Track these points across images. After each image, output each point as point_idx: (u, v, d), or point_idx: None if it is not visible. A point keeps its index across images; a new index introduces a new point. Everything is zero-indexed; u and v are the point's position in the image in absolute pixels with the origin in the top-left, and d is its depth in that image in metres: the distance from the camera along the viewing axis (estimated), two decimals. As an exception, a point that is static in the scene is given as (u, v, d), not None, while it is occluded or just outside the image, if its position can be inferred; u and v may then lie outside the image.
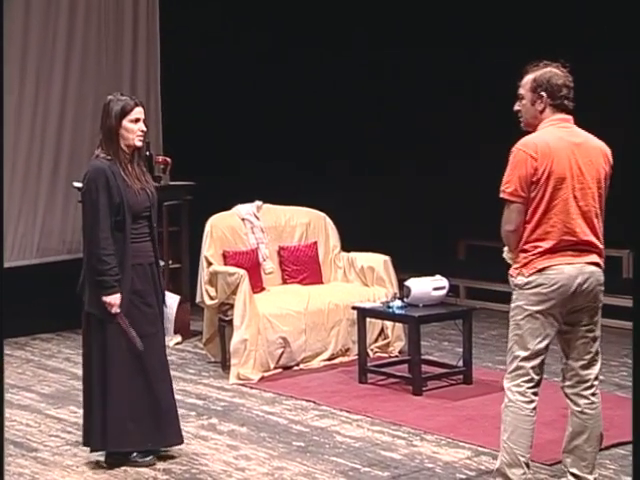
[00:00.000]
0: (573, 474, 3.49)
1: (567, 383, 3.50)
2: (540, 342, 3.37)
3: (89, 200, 3.87)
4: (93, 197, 3.85)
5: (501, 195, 3.38)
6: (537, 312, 3.36)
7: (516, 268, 3.41)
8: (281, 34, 7.76)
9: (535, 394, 3.41)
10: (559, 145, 3.35)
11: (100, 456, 4.03)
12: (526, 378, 3.38)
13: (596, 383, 3.49)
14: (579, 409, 3.47)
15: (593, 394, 3.48)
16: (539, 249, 3.34)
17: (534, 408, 3.40)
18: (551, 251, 3.34)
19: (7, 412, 4.68)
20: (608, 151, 3.48)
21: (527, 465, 3.40)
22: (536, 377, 3.40)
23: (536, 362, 3.39)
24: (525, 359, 3.38)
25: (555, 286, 3.33)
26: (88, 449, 4.03)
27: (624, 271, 7.12)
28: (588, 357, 3.46)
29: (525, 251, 3.37)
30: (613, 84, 6.67)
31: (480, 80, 7.63)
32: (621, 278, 6.99)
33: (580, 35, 6.92)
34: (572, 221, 3.34)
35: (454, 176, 8.01)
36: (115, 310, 3.84)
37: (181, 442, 4.06)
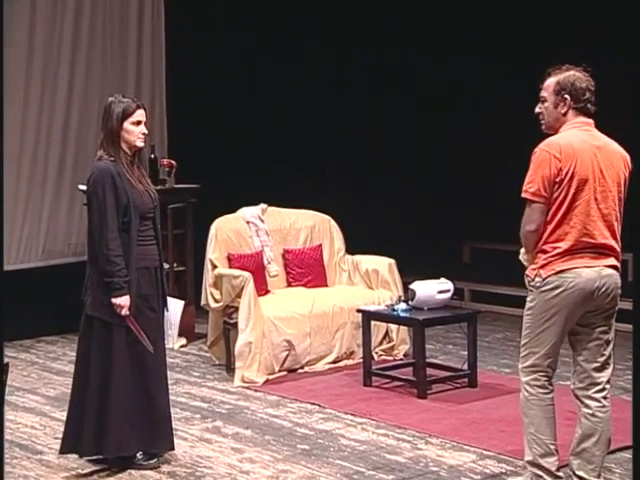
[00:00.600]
0: (580, 477, 3.51)
1: (579, 385, 3.52)
2: (556, 342, 3.44)
3: (96, 201, 3.83)
4: (100, 197, 3.81)
5: (523, 195, 3.40)
6: (554, 313, 3.40)
7: (534, 269, 3.43)
8: (285, 36, 7.77)
9: (551, 384, 3.50)
10: (582, 147, 3.37)
11: (104, 459, 4.03)
12: (543, 373, 3.47)
13: (608, 386, 3.51)
14: (590, 412, 3.49)
15: (604, 397, 3.50)
16: (558, 250, 3.36)
17: (553, 397, 3.49)
18: (569, 252, 3.36)
19: (12, 415, 4.69)
20: (627, 156, 3.50)
21: (557, 451, 3.50)
22: (552, 371, 3.49)
23: (552, 359, 3.47)
24: (542, 357, 3.45)
25: (572, 289, 3.37)
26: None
27: (629, 274, 7.12)
28: (601, 360, 3.49)
29: (544, 252, 3.40)
30: (613, 86, 6.66)
31: (482, 82, 7.63)
32: (626, 281, 6.98)
33: (582, 36, 6.91)
34: (592, 223, 3.37)
35: (460, 179, 8.01)
36: (124, 312, 3.81)
37: (172, 448, 4.03)
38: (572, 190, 3.34)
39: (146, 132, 3.95)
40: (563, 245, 3.36)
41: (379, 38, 8.01)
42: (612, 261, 3.44)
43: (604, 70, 6.68)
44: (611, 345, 3.52)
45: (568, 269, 3.36)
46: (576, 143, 3.38)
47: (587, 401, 3.49)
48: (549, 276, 3.37)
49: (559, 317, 3.40)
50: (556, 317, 3.40)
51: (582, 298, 3.39)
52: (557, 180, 3.34)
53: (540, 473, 3.50)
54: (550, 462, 3.48)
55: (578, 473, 3.51)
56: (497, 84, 7.40)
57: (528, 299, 3.48)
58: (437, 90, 7.90)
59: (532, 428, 3.48)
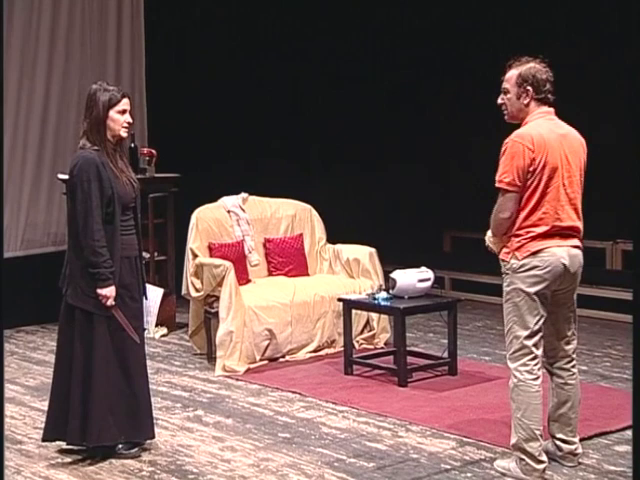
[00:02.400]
0: (560, 439, 3.74)
1: (550, 360, 3.72)
2: (538, 321, 3.58)
3: (80, 191, 3.79)
4: (85, 187, 3.78)
5: (498, 185, 3.55)
6: (533, 293, 3.55)
7: (508, 252, 3.59)
8: (268, 24, 7.74)
9: (539, 369, 3.62)
10: (550, 137, 3.56)
11: (83, 448, 4.02)
12: (530, 356, 3.58)
13: (574, 356, 3.75)
14: (563, 381, 3.72)
15: (573, 366, 3.77)
16: (531, 234, 3.54)
17: (541, 383, 3.61)
18: (543, 236, 3.54)
19: (-8, 405, 4.67)
20: (584, 142, 3.71)
21: (541, 436, 3.62)
22: (538, 353, 3.61)
23: (536, 339, 3.59)
24: (527, 337, 3.57)
25: (548, 267, 3.54)
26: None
27: (607, 263, 7.18)
28: (569, 334, 3.71)
29: (518, 235, 3.56)
30: (606, 82, 6.70)
31: (466, 75, 7.64)
32: (604, 269, 7.05)
33: (569, 30, 6.94)
34: (562, 208, 3.56)
35: (440, 169, 8.04)
36: (110, 302, 3.80)
37: (153, 436, 4.03)
38: (544, 178, 3.52)
39: (131, 121, 3.94)
40: (537, 230, 3.54)
41: (361, 31, 8.00)
42: (576, 242, 3.64)
43: (595, 66, 6.75)
44: (576, 319, 3.73)
45: (543, 249, 3.54)
46: (545, 133, 3.55)
47: (559, 372, 3.72)
48: (525, 257, 3.54)
49: (538, 294, 3.55)
50: (535, 296, 3.55)
51: (556, 276, 3.56)
52: (530, 170, 3.51)
53: (523, 457, 3.61)
54: (534, 447, 3.59)
55: (558, 436, 3.74)
56: (480, 79, 7.42)
57: (505, 284, 3.62)
58: (420, 80, 7.91)
59: (519, 413, 3.59)
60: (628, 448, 3.94)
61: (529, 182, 3.51)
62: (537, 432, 3.59)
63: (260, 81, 7.77)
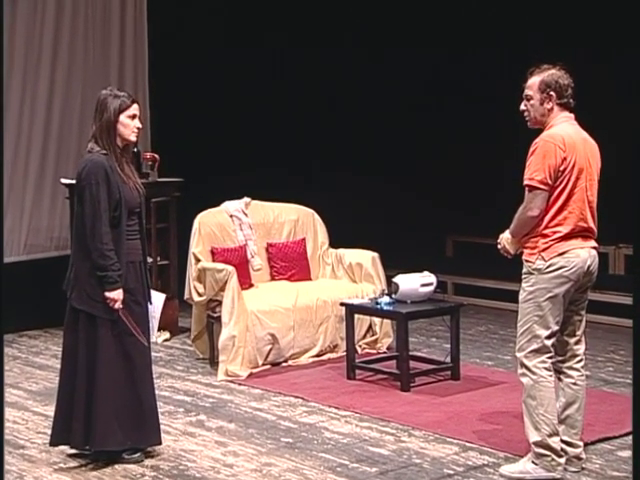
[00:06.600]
0: (565, 442, 3.74)
1: (560, 358, 3.76)
2: (558, 322, 3.65)
3: (89, 194, 3.80)
4: (93, 191, 3.79)
5: (529, 183, 3.58)
6: (558, 293, 3.60)
7: (533, 253, 3.63)
8: (271, 34, 7.75)
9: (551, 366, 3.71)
10: (576, 139, 3.64)
11: (87, 453, 4.02)
12: (549, 354, 3.66)
13: (583, 357, 3.80)
14: (572, 381, 3.76)
15: (583, 367, 3.80)
16: (558, 234, 3.59)
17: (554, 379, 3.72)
18: (568, 236, 3.61)
19: (-6, 409, 4.67)
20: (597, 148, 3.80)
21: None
22: (553, 352, 3.68)
23: (554, 339, 3.67)
24: (547, 337, 3.63)
25: (575, 268, 3.61)
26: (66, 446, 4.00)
27: (610, 267, 7.18)
28: (579, 333, 3.77)
29: (545, 236, 3.61)
30: (601, 84, 6.70)
31: (465, 80, 7.65)
32: (607, 274, 7.05)
33: (568, 36, 6.95)
34: (585, 209, 3.63)
35: (442, 173, 8.04)
36: (118, 305, 3.82)
37: (160, 442, 4.03)
38: (572, 178, 3.59)
39: (140, 126, 3.97)
40: (563, 229, 3.60)
41: (360, 36, 8.01)
42: (594, 243, 3.72)
43: (588, 67, 6.76)
44: (585, 319, 3.81)
45: (569, 250, 3.60)
46: (573, 135, 3.64)
47: (569, 372, 3.76)
48: (552, 258, 3.59)
49: (562, 295, 3.61)
50: (560, 296, 3.60)
51: (580, 276, 3.64)
52: (561, 169, 3.57)
53: (548, 453, 3.64)
54: (556, 442, 3.65)
55: (563, 438, 3.74)
56: (480, 84, 7.43)
57: (527, 284, 3.65)
58: (422, 88, 7.92)
59: (541, 409, 3.62)
60: (632, 453, 3.93)
61: (558, 181, 3.57)
62: (556, 428, 3.65)
63: (263, 87, 7.77)
